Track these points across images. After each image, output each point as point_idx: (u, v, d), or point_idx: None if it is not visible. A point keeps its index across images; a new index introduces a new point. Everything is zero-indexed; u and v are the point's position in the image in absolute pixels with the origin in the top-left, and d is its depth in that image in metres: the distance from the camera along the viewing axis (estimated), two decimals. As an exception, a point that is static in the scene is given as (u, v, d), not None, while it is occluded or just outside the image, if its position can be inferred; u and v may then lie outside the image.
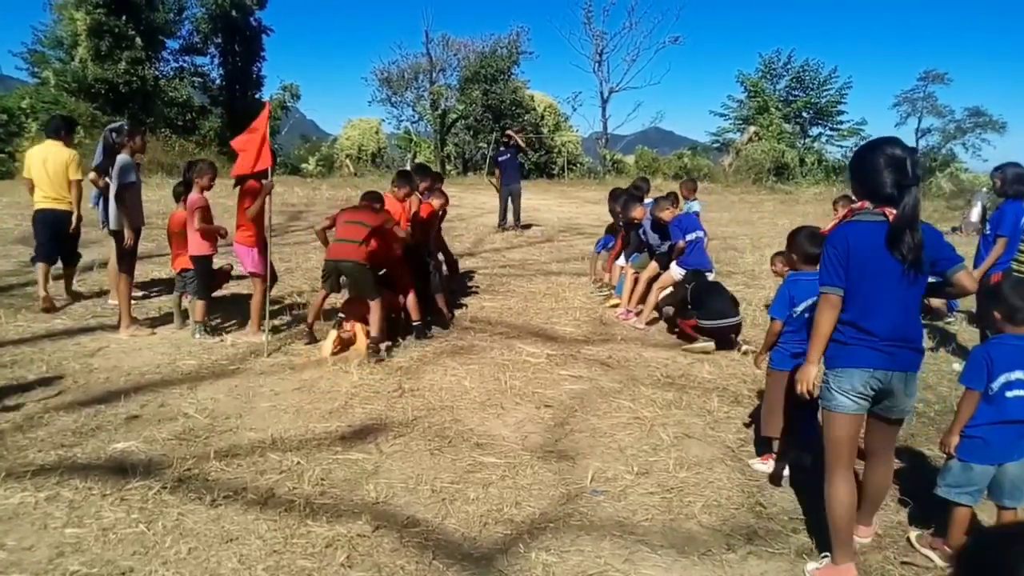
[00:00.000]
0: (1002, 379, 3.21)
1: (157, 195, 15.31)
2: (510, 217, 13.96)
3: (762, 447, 4.48)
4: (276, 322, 6.93)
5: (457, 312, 7.67)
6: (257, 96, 30.08)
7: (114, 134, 6.34)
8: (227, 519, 3.57)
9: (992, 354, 3.25)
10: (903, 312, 3.12)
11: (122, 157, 6.21)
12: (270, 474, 4.04)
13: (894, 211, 3.03)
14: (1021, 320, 3.24)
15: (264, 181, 6.19)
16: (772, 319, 4.23)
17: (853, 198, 3.44)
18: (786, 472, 4.21)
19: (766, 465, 4.29)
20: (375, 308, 6.06)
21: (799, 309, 4.10)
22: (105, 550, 3.28)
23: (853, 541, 3.29)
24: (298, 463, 4.17)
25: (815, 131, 37.84)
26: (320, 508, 3.70)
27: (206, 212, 6.29)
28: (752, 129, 33.71)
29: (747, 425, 4.96)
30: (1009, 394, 3.21)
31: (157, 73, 26.27)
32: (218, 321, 6.96)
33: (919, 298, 3.20)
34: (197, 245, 6.30)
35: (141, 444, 4.35)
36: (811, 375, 3.28)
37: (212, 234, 6.35)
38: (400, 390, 5.38)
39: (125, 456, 4.19)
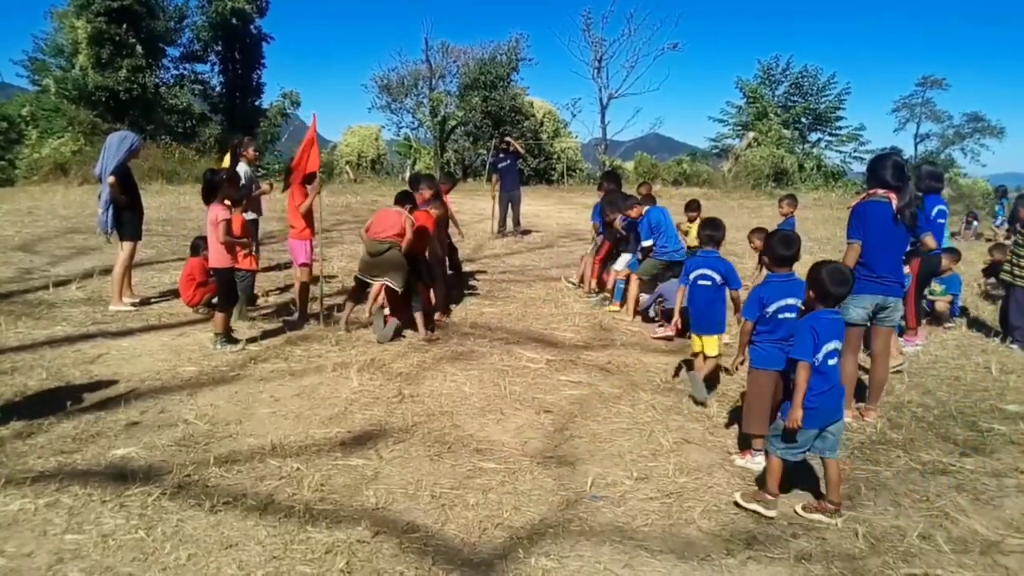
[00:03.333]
0: (824, 349, 3.74)
1: (158, 202, 15.36)
2: (509, 223, 13.98)
3: (745, 443, 4.55)
4: (271, 325, 6.96)
5: (457, 318, 7.68)
6: (257, 103, 30.14)
7: (239, 146, 8.01)
8: (227, 525, 3.57)
9: (816, 328, 3.75)
10: (894, 259, 4.99)
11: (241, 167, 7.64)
12: (270, 480, 4.04)
13: (894, 195, 4.86)
14: (832, 303, 3.85)
15: (310, 185, 7.05)
16: (744, 320, 4.47)
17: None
18: (761, 465, 4.23)
19: (744, 460, 4.43)
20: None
21: (771, 309, 4.34)
22: (105, 556, 3.28)
23: (852, 397, 5.12)
24: (298, 469, 4.17)
25: (814, 136, 38.01)
26: (320, 514, 3.70)
27: (230, 225, 6.27)
28: (751, 135, 33.81)
29: (727, 426, 5.04)
30: (831, 362, 3.79)
31: (157, 81, 26.29)
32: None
33: (904, 250, 5.12)
34: (219, 258, 6.27)
35: (141, 450, 4.35)
36: None
37: (236, 247, 6.37)
38: (400, 396, 5.39)
39: (125, 462, 4.19)
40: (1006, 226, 16.63)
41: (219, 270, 6.32)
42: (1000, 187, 20.33)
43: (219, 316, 6.33)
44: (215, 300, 7.18)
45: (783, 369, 4.33)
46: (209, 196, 6.31)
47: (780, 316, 4.32)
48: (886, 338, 5.18)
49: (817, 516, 3.81)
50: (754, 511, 3.81)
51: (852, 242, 4.94)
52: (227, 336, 6.34)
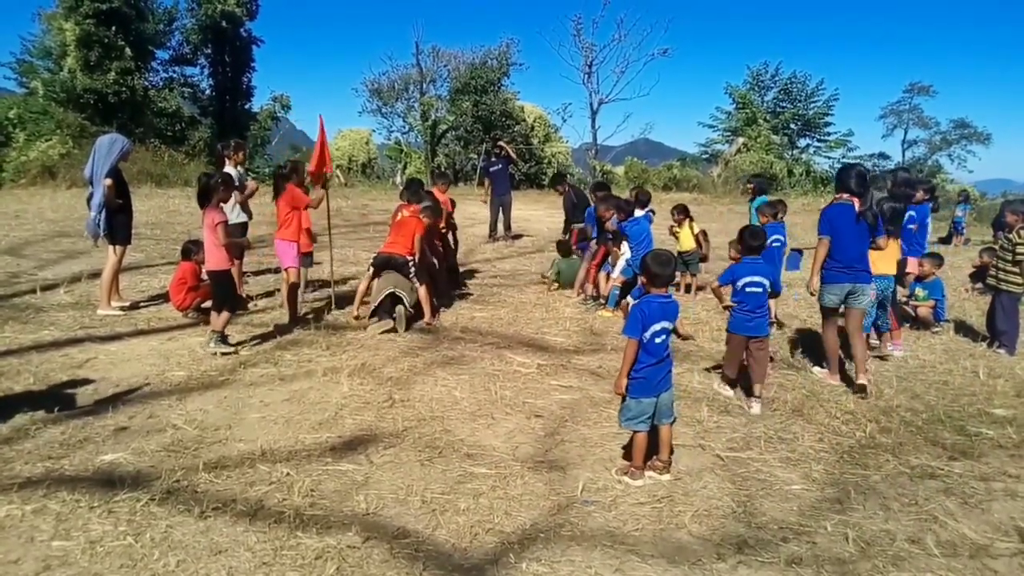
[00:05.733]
0: (652, 329, 4.16)
1: (147, 205, 15.27)
2: (500, 227, 13.98)
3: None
4: (261, 330, 6.93)
5: (448, 322, 7.67)
6: (247, 107, 30.02)
7: (224, 149, 7.98)
8: (216, 531, 3.55)
9: (645, 310, 4.18)
10: (858, 251, 5.82)
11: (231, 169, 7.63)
12: (259, 485, 4.02)
13: (857, 200, 5.78)
14: (660, 284, 4.27)
15: (315, 191, 7.68)
16: (718, 284, 5.71)
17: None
18: (731, 393, 5.69)
19: (725, 390, 5.72)
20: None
21: (740, 284, 5.47)
22: (92, 563, 3.26)
23: (838, 361, 6.10)
24: (288, 474, 4.15)
25: (803, 142, 38.24)
26: (310, 519, 3.68)
27: (228, 227, 6.28)
28: (740, 140, 33.97)
29: (708, 370, 6.29)
30: (657, 340, 4.20)
31: (147, 83, 26.11)
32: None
33: (867, 245, 5.89)
34: (217, 260, 6.25)
35: (129, 456, 4.32)
36: (814, 284, 5.94)
37: (238, 248, 6.37)
38: (390, 401, 5.38)
39: (113, 468, 4.16)
40: (965, 233, 16.52)
41: (216, 272, 6.30)
42: (962, 192, 19.92)
43: (223, 316, 6.31)
44: (205, 305, 7.18)
45: (749, 334, 5.47)
46: (204, 200, 6.28)
47: (748, 290, 5.46)
48: (857, 318, 5.97)
49: (651, 473, 4.29)
50: (624, 482, 4.20)
51: (822, 238, 5.89)
52: (223, 336, 6.33)
